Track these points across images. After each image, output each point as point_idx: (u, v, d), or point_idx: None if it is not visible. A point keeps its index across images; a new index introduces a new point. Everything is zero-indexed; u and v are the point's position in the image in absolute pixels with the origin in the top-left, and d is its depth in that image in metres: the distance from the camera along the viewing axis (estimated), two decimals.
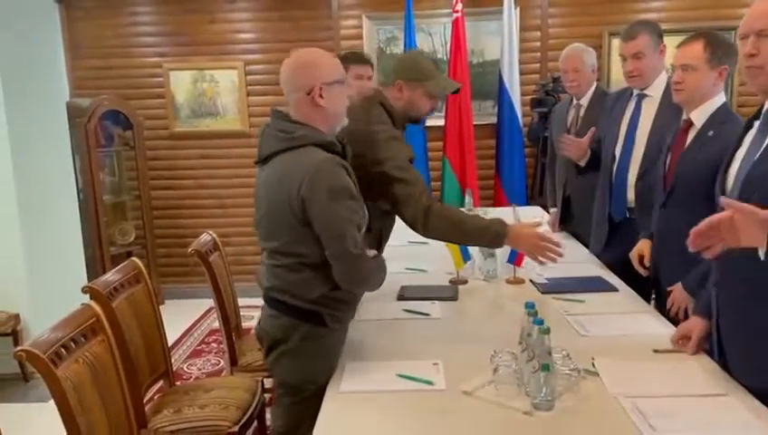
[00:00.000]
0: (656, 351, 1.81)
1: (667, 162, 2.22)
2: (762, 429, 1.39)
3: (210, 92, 4.95)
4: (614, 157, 2.62)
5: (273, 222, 1.76)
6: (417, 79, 2.10)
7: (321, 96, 1.74)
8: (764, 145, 1.52)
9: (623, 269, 2.48)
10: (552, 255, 2.01)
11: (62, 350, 1.69)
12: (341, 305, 1.84)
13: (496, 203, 4.66)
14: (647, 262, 2.35)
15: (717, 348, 1.69)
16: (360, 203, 1.78)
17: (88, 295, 2.06)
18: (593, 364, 1.71)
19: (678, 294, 2.12)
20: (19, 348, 1.61)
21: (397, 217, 2.14)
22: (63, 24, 4.87)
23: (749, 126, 1.63)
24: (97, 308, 1.88)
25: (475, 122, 4.67)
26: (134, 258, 2.40)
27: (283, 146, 1.74)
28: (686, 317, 2.10)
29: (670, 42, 2.51)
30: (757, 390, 1.52)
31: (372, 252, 1.83)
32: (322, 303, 1.77)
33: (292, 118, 1.78)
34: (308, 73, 1.76)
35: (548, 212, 3.50)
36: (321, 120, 1.78)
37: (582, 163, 2.92)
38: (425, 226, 2.00)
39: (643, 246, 2.36)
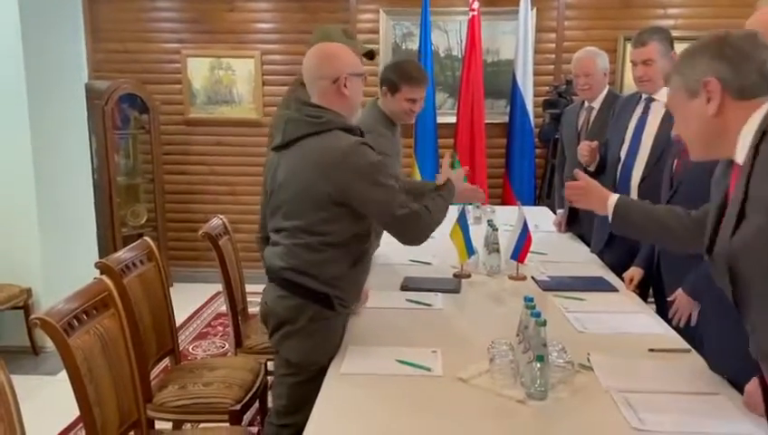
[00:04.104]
0: (651, 350, 1.85)
1: (674, 166, 2.26)
2: (749, 427, 1.42)
3: (227, 80, 5.01)
4: (619, 159, 2.65)
5: (302, 202, 1.83)
6: None
7: (345, 86, 1.86)
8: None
9: (623, 270, 2.51)
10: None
11: (75, 321, 1.75)
12: (352, 288, 1.94)
13: (504, 202, 4.69)
14: (632, 288, 2.44)
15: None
16: (387, 165, 1.91)
17: (99, 271, 2.12)
18: (588, 359, 1.75)
19: (682, 300, 2.15)
20: (34, 316, 1.68)
21: None
22: (85, 6, 4.93)
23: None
24: (109, 283, 1.94)
25: (486, 121, 4.70)
26: (146, 238, 2.46)
27: (310, 130, 1.84)
28: (688, 323, 2.15)
29: None
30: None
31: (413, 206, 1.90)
32: (334, 284, 1.85)
33: (316, 103, 1.89)
34: (334, 64, 1.87)
35: (555, 213, 3.53)
36: (343, 109, 1.89)
37: (592, 168, 2.94)
38: None
39: (634, 273, 2.46)
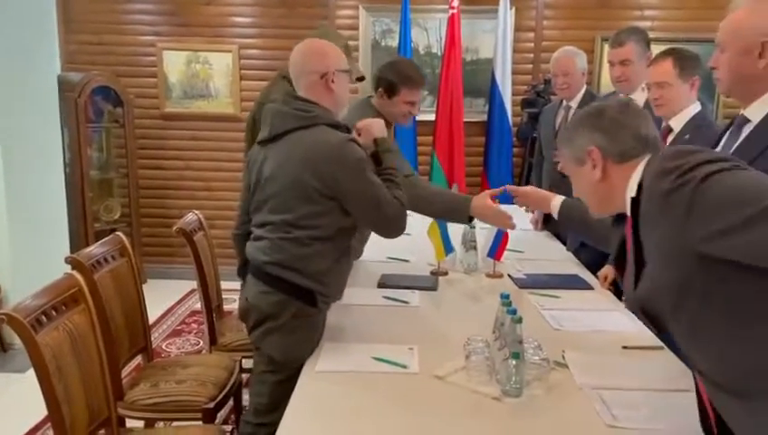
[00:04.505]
0: (625, 347, 1.87)
1: None
2: None
3: (203, 74, 4.94)
4: None
5: (291, 196, 1.82)
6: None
7: (333, 81, 1.88)
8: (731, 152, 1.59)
9: (598, 268, 2.54)
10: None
11: (43, 317, 1.70)
12: (334, 283, 1.93)
13: None
14: (607, 285, 2.48)
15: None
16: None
17: (70, 266, 2.07)
18: (563, 356, 1.76)
19: None
20: (1, 311, 1.63)
21: None
22: None
23: (725, 133, 1.69)
24: (79, 278, 1.90)
25: (465, 119, 4.71)
26: (119, 233, 2.42)
27: (299, 124, 1.83)
28: None
29: (661, 51, 2.56)
30: None
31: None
32: (319, 279, 1.85)
33: (305, 98, 1.89)
34: (322, 59, 1.89)
35: (532, 212, 3.55)
36: (330, 104, 1.90)
37: None
38: None
39: (608, 271, 2.50)
